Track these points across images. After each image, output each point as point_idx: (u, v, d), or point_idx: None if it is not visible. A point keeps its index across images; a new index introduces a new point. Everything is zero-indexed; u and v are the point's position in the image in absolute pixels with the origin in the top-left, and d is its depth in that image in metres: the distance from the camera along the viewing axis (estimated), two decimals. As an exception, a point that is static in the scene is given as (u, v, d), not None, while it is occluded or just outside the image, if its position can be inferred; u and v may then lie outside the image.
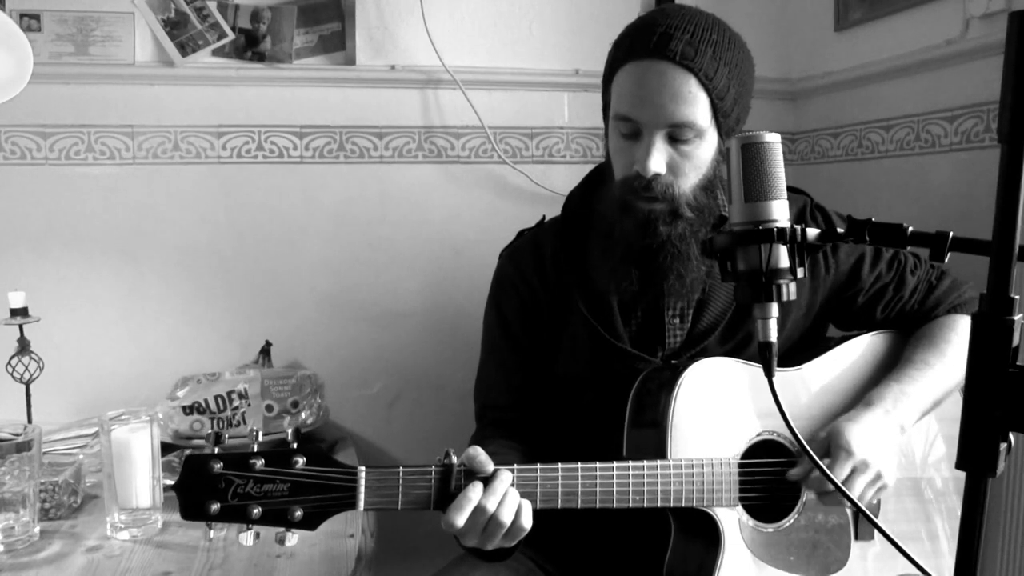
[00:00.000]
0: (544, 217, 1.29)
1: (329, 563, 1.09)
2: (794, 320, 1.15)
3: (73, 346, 1.66)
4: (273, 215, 1.76)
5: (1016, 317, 0.53)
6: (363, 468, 0.89)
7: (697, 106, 1.01)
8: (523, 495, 0.93)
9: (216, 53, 1.69)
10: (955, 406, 1.12)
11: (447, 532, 0.91)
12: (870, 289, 1.17)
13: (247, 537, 0.87)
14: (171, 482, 0.90)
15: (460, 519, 0.88)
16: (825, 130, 1.88)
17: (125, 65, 1.65)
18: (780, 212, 0.79)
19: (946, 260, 0.75)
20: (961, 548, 0.56)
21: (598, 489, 0.97)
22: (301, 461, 0.87)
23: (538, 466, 0.95)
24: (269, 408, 1.55)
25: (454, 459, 0.91)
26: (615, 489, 0.97)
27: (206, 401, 1.51)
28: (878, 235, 0.78)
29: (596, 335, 1.13)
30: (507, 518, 0.90)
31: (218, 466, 0.86)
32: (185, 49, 1.67)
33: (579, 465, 0.96)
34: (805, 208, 1.18)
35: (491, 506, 0.89)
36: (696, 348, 1.13)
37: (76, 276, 1.68)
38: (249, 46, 1.70)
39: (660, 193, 1.04)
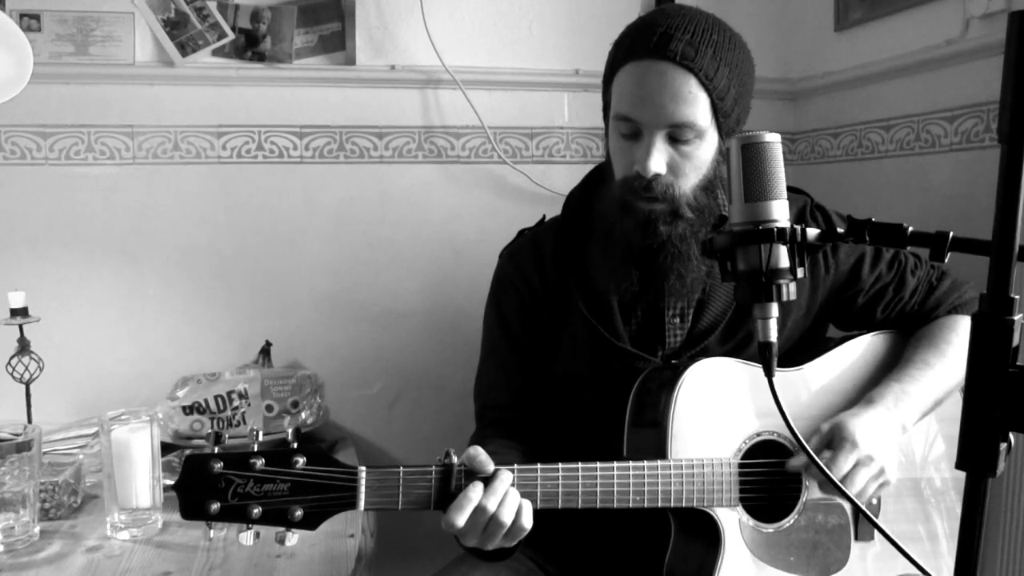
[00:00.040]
0: (544, 217, 1.29)
1: (329, 563, 1.09)
2: (794, 320, 1.15)
3: (73, 346, 1.66)
4: (273, 215, 1.76)
5: (1016, 317, 0.53)
6: (363, 468, 0.89)
7: (697, 106, 1.01)
8: (523, 495, 0.93)
9: (216, 53, 1.69)
10: (955, 406, 1.12)
11: (447, 532, 0.91)
12: (870, 289, 1.17)
13: (247, 537, 0.87)
14: (171, 482, 0.90)
15: (460, 519, 0.88)
16: (825, 130, 1.88)
17: (125, 65, 1.65)
18: (780, 212, 0.79)
19: (946, 260, 0.75)
20: (961, 548, 0.56)
21: (598, 489, 0.97)
22: (301, 461, 0.87)
23: (538, 466, 0.95)
24: (269, 408, 1.55)
25: (454, 459, 0.91)
26: (615, 489, 0.97)
27: (206, 401, 1.51)
28: (878, 235, 0.78)
29: (596, 335, 1.13)
30: (507, 518, 0.90)
31: (218, 466, 0.86)
32: (185, 49, 1.67)
33: (579, 465, 0.96)
34: (805, 208, 1.18)
35: (491, 506, 0.89)
36: (696, 348, 1.13)
37: (76, 276, 1.68)
38: (249, 46, 1.70)
39: (660, 193, 1.04)
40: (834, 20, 1.82)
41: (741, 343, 1.13)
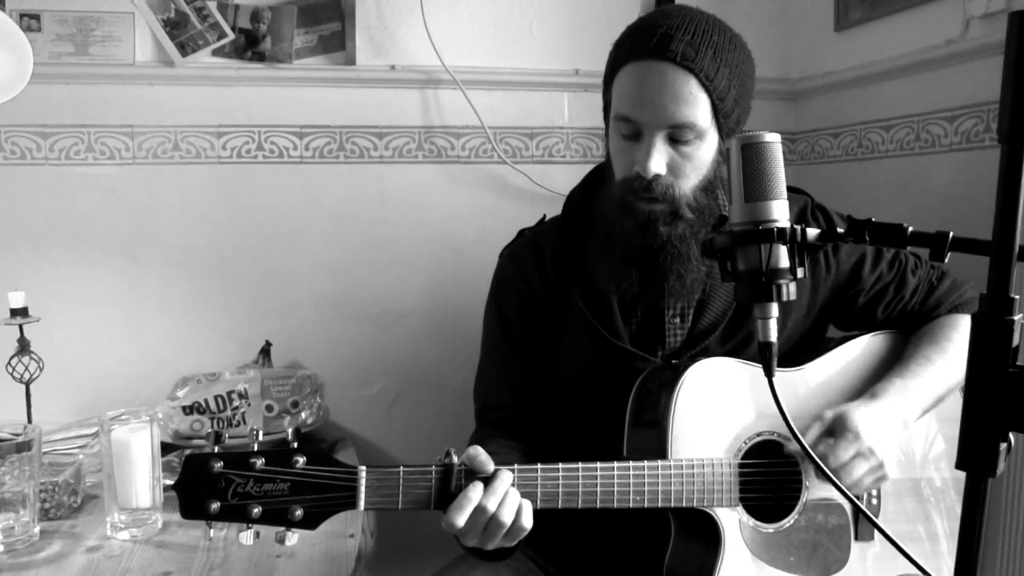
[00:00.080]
0: (544, 217, 1.29)
1: (329, 563, 1.09)
2: (795, 320, 1.16)
3: (73, 346, 1.66)
4: (273, 215, 1.76)
5: (1016, 317, 0.53)
6: (363, 468, 0.89)
7: (698, 107, 1.01)
8: (524, 495, 0.93)
9: (216, 53, 1.69)
10: (955, 405, 1.12)
11: (447, 532, 0.91)
12: (871, 289, 1.17)
13: (247, 536, 0.87)
14: (171, 482, 0.90)
15: (461, 519, 0.88)
16: (825, 130, 1.89)
17: (125, 65, 1.65)
18: (780, 212, 0.79)
19: (946, 260, 0.75)
20: (961, 548, 0.56)
21: (598, 489, 0.97)
22: (301, 460, 0.87)
23: (538, 466, 0.95)
24: (269, 408, 1.55)
25: (454, 459, 0.91)
26: (615, 489, 0.97)
27: (206, 401, 1.51)
28: (878, 235, 0.78)
29: (596, 334, 1.13)
30: (508, 518, 0.90)
31: (218, 465, 0.86)
32: (185, 49, 1.67)
33: (579, 465, 0.96)
34: (805, 208, 1.18)
35: (492, 506, 0.89)
36: (696, 348, 1.13)
37: (76, 276, 1.68)
38: (249, 46, 1.70)
39: (660, 194, 1.04)
40: (834, 20, 1.82)
41: (741, 343, 1.13)
